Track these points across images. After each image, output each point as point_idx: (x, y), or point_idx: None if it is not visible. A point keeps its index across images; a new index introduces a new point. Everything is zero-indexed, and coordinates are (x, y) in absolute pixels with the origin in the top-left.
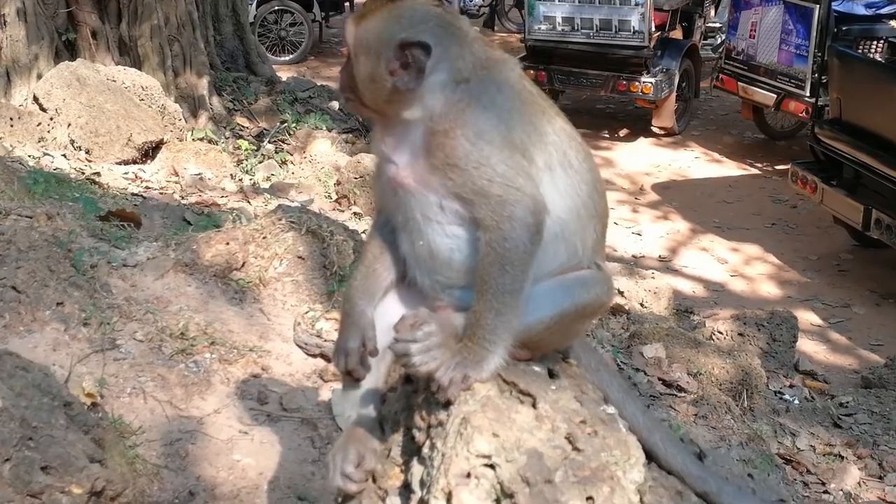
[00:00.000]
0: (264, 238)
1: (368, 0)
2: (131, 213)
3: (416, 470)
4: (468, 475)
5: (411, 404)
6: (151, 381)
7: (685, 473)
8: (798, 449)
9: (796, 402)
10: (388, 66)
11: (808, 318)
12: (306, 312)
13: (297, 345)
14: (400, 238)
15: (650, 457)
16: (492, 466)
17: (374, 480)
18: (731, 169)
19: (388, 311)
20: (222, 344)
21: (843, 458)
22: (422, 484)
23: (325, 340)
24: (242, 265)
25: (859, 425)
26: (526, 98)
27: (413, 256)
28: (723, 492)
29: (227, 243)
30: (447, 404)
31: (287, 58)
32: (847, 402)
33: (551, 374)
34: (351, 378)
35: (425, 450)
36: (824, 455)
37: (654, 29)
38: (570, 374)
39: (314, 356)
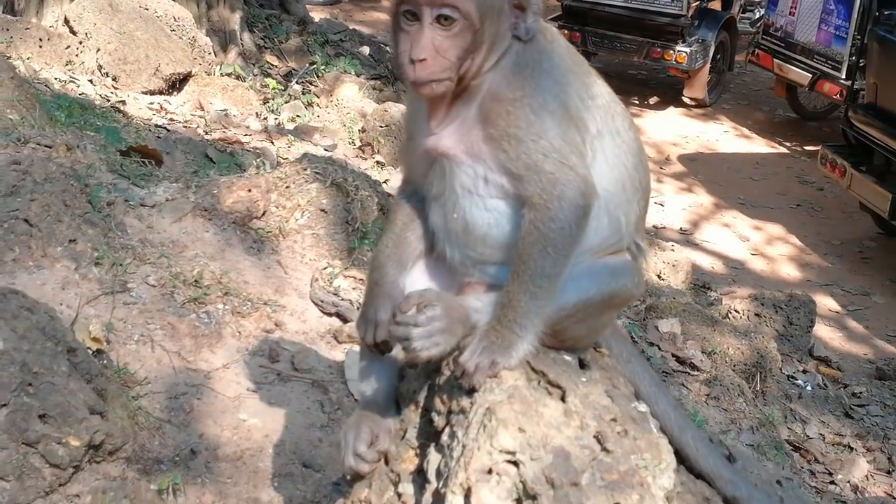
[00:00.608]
0: (287, 188)
1: None
2: (153, 149)
3: (433, 458)
4: (489, 471)
5: (431, 384)
6: (160, 330)
7: (716, 476)
8: (807, 436)
9: (809, 388)
10: (509, 18)
11: (826, 303)
12: (324, 268)
13: (314, 302)
14: (431, 209)
15: (679, 456)
16: (515, 464)
17: (387, 462)
18: (759, 146)
19: (414, 285)
20: (236, 295)
21: (852, 449)
22: (438, 475)
23: (342, 299)
24: (263, 214)
25: (871, 417)
26: (576, 58)
27: (444, 229)
28: (753, 498)
29: (249, 190)
30: (471, 391)
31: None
32: (860, 393)
33: (582, 365)
34: (376, 350)
35: (444, 437)
36: (833, 445)
37: None
38: (601, 365)
39: (330, 315)
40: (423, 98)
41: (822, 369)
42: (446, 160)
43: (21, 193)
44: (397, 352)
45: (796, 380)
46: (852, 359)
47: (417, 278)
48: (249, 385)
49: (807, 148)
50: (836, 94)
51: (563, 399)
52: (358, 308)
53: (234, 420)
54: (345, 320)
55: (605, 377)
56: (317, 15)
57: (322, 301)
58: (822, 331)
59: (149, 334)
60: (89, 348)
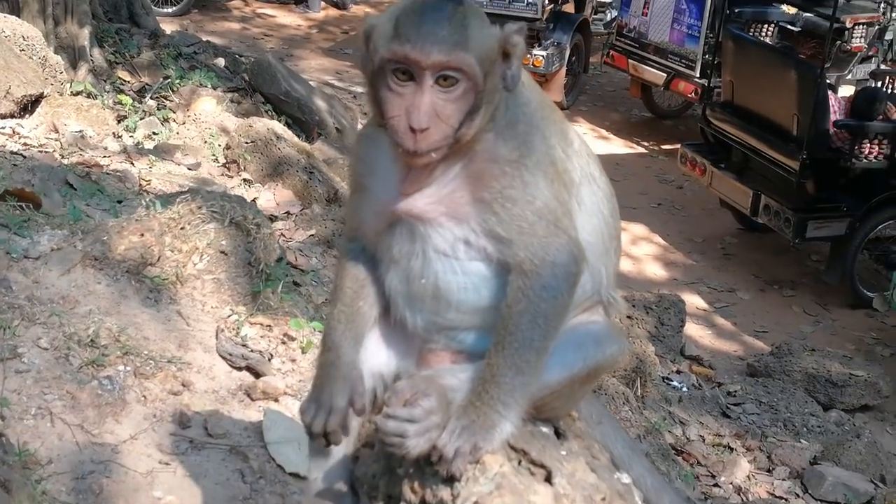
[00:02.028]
0: (182, 229)
1: (430, 18)
2: (30, 192)
3: None
4: None
5: (393, 467)
6: (59, 401)
7: None
8: (688, 439)
9: (685, 389)
10: (502, 68)
11: (693, 301)
12: (229, 316)
13: (221, 355)
14: (388, 272)
15: None
16: None
17: None
18: (617, 146)
19: (367, 353)
20: (137, 354)
21: (732, 449)
22: None
23: (252, 350)
24: (158, 260)
25: (747, 416)
26: (549, 102)
27: (406, 294)
28: None
29: (142, 234)
30: (451, 479)
31: (170, 10)
32: (735, 391)
33: (557, 434)
34: (323, 440)
35: None
36: (714, 446)
37: (547, 2)
38: (575, 431)
39: (240, 369)
40: (412, 166)
41: (695, 368)
42: (418, 222)
43: None
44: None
45: (672, 381)
46: (723, 356)
47: (371, 348)
48: (161, 457)
49: (664, 147)
50: (690, 93)
51: (549, 480)
52: (269, 359)
53: (148, 499)
54: (256, 374)
55: (583, 447)
56: (167, 27)
57: (230, 354)
58: (692, 329)
59: (47, 406)
60: None
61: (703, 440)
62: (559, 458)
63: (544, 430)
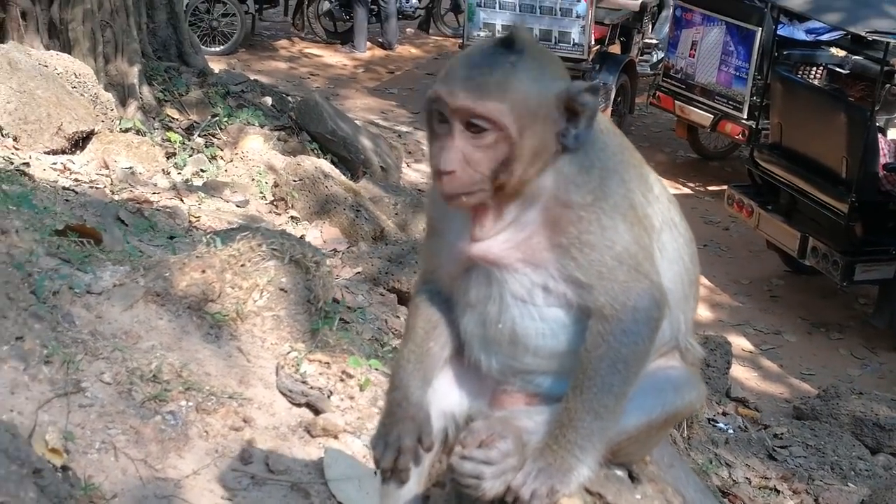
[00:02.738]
0: (242, 266)
1: (463, 59)
2: (91, 228)
3: None
4: None
5: None
6: (122, 435)
7: None
8: (734, 481)
9: (731, 431)
10: (557, 127)
11: (739, 343)
12: (288, 353)
13: (281, 392)
14: (464, 315)
15: None
16: None
17: None
18: None
19: (438, 393)
20: (199, 389)
21: (778, 492)
22: None
23: (311, 387)
24: (219, 296)
25: (794, 458)
26: (629, 146)
27: (482, 338)
28: None
29: (203, 271)
30: None
31: (217, 49)
32: (782, 434)
33: (631, 478)
34: (391, 477)
35: None
36: (760, 489)
37: (593, 42)
38: (648, 475)
39: (299, 405)
40: (451, 208)
41: (742, 410)
42: (494, 267)
43: None
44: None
45: (717, 423)
46: (769, 398)
47: (443, 388)
48: (223, 492)
49: (710, 188)
50: (738, 134)
51: None
52: (328, 396)
53: None
54: (316, 411)
55: (657, 491)
56: (214, 65)
57: (290, 391)
58: (738, 371)
59: (110, 440)
60: (52, 464)
61: (750, 482)
62: (634, 502)
63: (619, 473)
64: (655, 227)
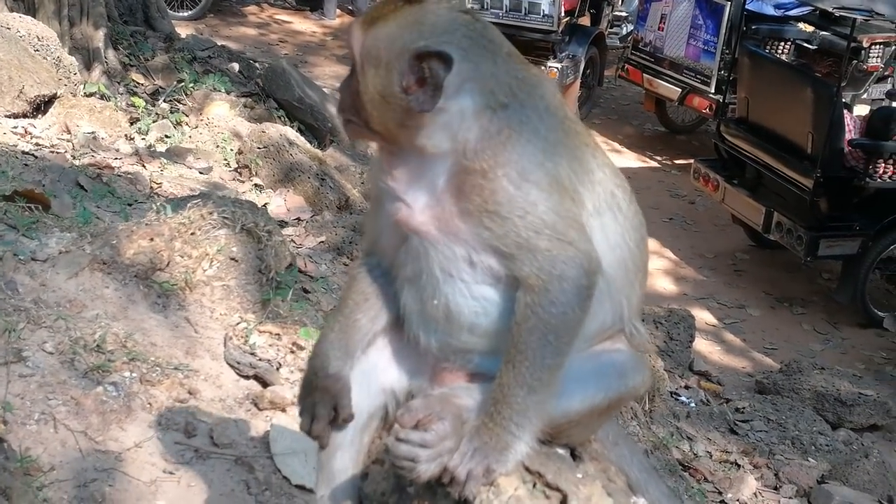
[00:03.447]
0: (193, 234)
1: (381, 2)
2: (40, 193)
3: None
4: None
5: (403, 486)
6: (63, 406)
7: None
8: (695, 455)
9: (693, 404)
10: (402, 82)
11: (703, 317)
12: (238, 324)
13: (229, 363)
14: (402, 291)
15: None
16: None
17: None
18: (630, 160)
19: (377, 368)
20: (144, 360)
21: (739, 466)
22: None
23: (260, 359)
24: (167, 265)
25: (755, 433)
26: (569, 128)
27: (420, 314)
28: None
29: (152, 239)
30: (463, 502)
31: (185, 14)
32: (743, 408)
33: (573, 456)
34: (315, 440)
35: None
36: (721, 462)
37: (563, 14)
38: (591, 454)
39: (247, 377)
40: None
41: (703, 384)
42: (421, 238)
43: None
44: (350, 450)
45: (680, 396)
46: (731, 372)
47: (383, 364)
48: (165, 466)
49: (677, 161)
50: (705, 109)
51: None
52: (277, 368)
53: None
54: (264, 384)
55: (599, 469)
56: (182, 30)
57: (238, 363)
58: (701, 345)
59: (50, 411)
60: None
61: (711, 456)
62: (575, 482)
63: (560, 451)
64: (587, 207)
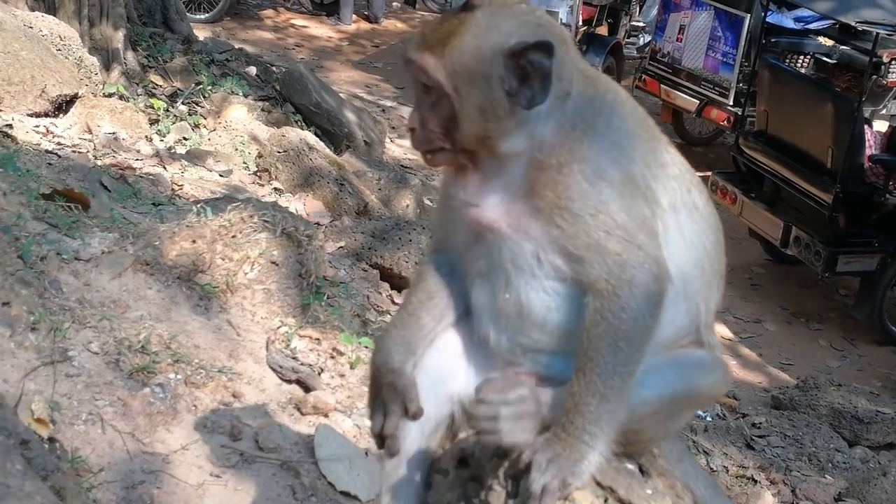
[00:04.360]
0: (233, 237)
1: (433, 20)
2: (79, 193)
3: None
4: None
5: (469, 496)
6: (110, 407)
7: None
8: (712, 469)
9: (709, 418)
10: (505, 86)
11: (719, 330)
12: (279, 328)
13: (271, 367)
14: (474, 286)
15: None
16: None
17: None
18: None
19: (444, 375)
20: (188, 362)
21: (756, 481)
22: None
23: (302, 363)
24: (209, 267)
25: (772, 448)
26: (641, 120)
27: (491, 310)
28: None
29: (194, 241)
30: None
31: (202, 16)
32: (760, 423)
33: (642, 471)
34: (386, 447)
35: None
36: (738, 478)
37: (581, 23)
38: (658, 469)
39: (289, 382)
40: (429, 165)
41: (720, 399)
42: (494, 235)
43: None
44: (415, 457)
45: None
46: (748, 387)
47: (450, 369)
48: (212, 469)
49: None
50: (723, 121)
51: None
52: (319, 373)
53: None
54: (306, 388)
55: (667, 486)
56: (199, 33)
57: (280, 367)
58: None
59: (97, 412)
60: (40, 435)
61: (727, 471)
62: (645, 498)
63: (629, 466)
64: (662, 205)
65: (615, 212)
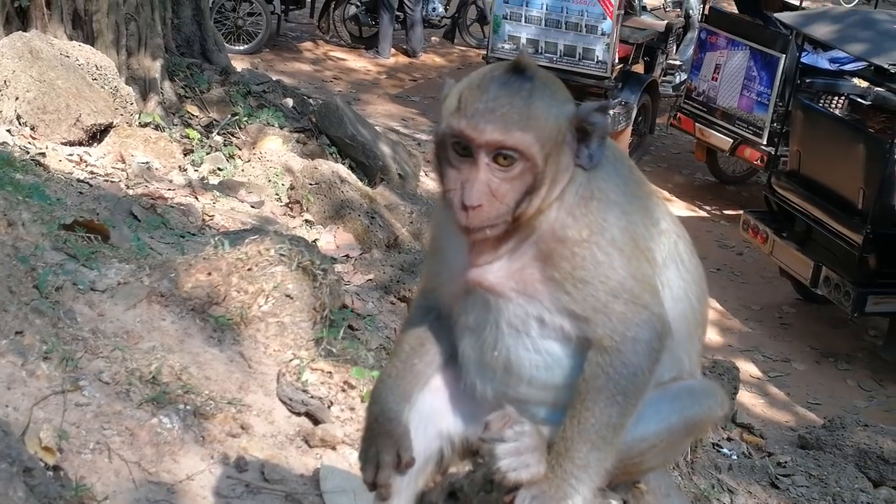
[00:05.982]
0: (249, 270)
1: (486, 97)
2: (100, 224)
3: None
4: None
5: None
6: (118, 436)
7: None
8: None
9: (734, 457)
10: (572, 148)
11: (747, 369)
12: (291, 360)
13: (281, 399)
14: (461, 338)
15: None
16: None
17: None
18: (679, 209)
19: (433, 412)
20: (198, 393)
21: None
22: None
23: (312, 396)
24: (224, 299)
25: (797, 487)
26: (637, 177)
27: (478, 363)
28: None
29: (209, 273)
30: None
31: (241, 48)
32: (785, 462)
33: None
34: (378, 493)
35: None
36: None
37: (617, 60)
38: None
39: (298, 414)
40: (469, 240)
41: (746, 437)
42: (491, 294)
43: None
44: (406, 494)
45: (721, 448)
46: (774, 426)
47: (439, 408)
48: (217, 500)
49: (726, 212)
50: (756, 160)
51: None
52: (329, 406)
53: None
54: (315, 421)
55: None
56: (238, 64)
57: (290, 399)
58: (744, 397)
59: (105, 441)
60: (44, 462)
61: None
62: None
63: (613, 502)
64: (658, 262)
65: (624, 277)
